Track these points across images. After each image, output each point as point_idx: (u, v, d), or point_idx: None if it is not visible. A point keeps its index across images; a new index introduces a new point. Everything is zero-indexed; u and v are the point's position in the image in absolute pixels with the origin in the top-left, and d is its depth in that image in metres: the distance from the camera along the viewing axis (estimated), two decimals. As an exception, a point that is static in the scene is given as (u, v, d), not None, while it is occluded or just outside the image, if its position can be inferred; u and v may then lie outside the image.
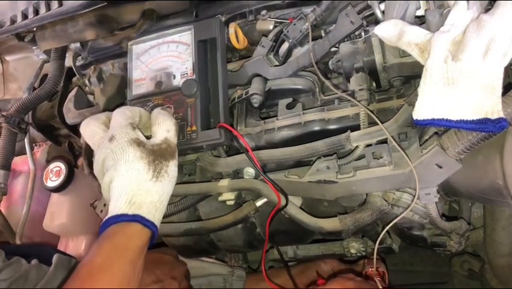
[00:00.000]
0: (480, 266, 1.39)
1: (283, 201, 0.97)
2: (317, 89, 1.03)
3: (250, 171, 1.01)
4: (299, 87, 1.04)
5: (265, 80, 1.04)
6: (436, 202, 0.92)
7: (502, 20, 0.73)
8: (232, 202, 1.02)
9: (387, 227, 0.93)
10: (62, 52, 1.28)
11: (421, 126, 0.83)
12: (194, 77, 1.00)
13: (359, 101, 0.91)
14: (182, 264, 1.21)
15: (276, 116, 1.03)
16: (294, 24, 1.00)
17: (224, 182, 1.01)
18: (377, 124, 0.87)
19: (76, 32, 1.13)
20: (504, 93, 0.74)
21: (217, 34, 1.03)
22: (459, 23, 0.79)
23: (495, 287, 1.27)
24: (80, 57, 1.26)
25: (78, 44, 1.21)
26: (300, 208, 1.01)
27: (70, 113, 1.22)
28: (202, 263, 1.40)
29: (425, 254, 1.73)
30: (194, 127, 0.97)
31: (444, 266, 1.61)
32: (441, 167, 0.83)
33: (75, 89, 1.25)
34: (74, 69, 1.27)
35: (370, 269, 1.14)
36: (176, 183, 1.08)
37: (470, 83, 0.75)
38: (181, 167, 1.13)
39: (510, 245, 1.07)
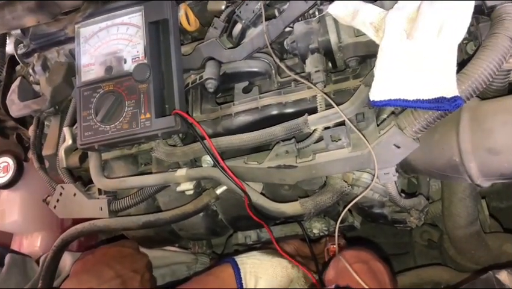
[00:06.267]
0: (439, 236, 1.43)
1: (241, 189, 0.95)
2: (273, 71, 1.01)
3: (208, 160, 0.98)
4: (255, 69, 1.01)
5: (220, 63, 1.01)
6: (395, 180, 0.92)
7: (454, -3, 0.73)
8: (191, 192, 0.99)
9: (347, 207, 0.93)
10: (2, 39, 1.21)
11: (378, 107, 0.82)
12: (146, 61, 0.96)
13: (315, 84, 0.89)
14: (143, 256, 1.17)
15: (232, 101, 1.01)
16: (247, 4, 0.97)
17: (181, 172, 0.97)
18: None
19: (15, 19, 1.06)
20: (458, 71, 0.74)
21: (169, 15, 0.97)
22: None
23: (453, 256, 1.31)
24: (22, 44, 1.19)
25: (19, 31, 1.14)
26: (261, 193, 0.99)
27: (14, 105, 1.15)
28: (164, 252, 1.37)
29: (386, 226, 1.76)
30: (148, 115, 0.94)
31: (405, 237, 1.65)
32: (399, 147, 0.83)
33: (18, 79, 1.18)
34: (16, 57, 1.20)
35: (332, 246, 1.14)
36: (132, 175, 1.06)
37: (424, 62, 0.75)
38: (135, 157, 1.10)
39: (467, 217, 1.10)
